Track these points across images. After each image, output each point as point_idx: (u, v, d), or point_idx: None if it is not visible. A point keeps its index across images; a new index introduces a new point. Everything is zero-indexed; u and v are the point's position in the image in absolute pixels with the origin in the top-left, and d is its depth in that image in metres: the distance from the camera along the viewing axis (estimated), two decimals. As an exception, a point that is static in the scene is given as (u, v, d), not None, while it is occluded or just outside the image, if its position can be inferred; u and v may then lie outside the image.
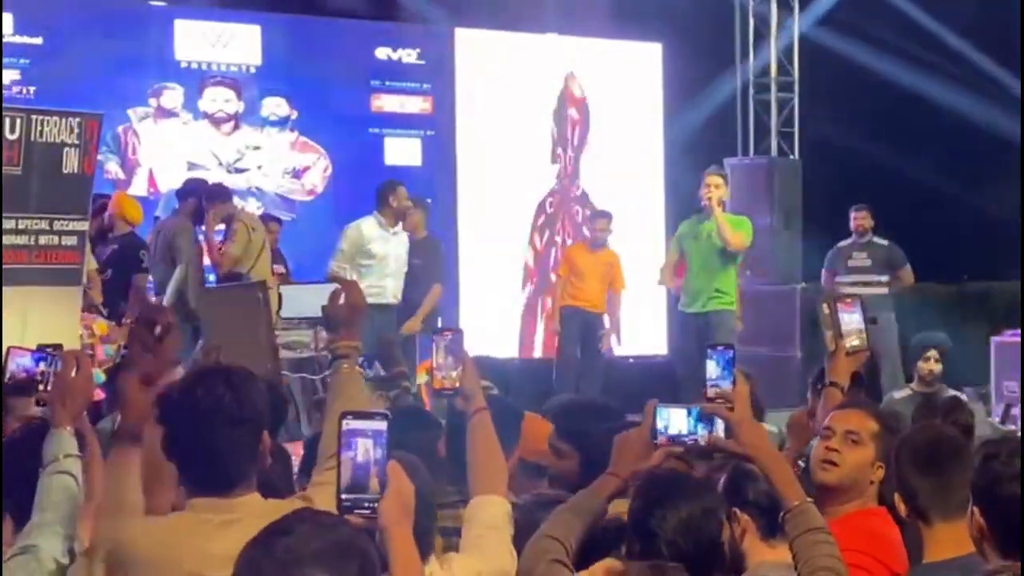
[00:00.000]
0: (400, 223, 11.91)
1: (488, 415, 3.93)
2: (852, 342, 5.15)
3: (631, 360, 15.74)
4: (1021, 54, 14.95)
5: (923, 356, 9.72)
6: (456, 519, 4.22)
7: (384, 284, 11.57)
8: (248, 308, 4.06)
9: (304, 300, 4.05)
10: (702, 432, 3.67)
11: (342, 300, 3.91)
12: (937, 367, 9.58)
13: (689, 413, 3.67)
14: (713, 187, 11.74)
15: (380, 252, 11.65)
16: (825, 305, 5.52)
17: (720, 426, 3.64)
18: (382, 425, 2.80)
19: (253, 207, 14.73)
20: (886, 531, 4.22)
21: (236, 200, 13.85)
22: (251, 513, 3.23)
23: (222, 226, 11.95)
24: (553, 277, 14.79)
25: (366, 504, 2.79)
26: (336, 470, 2.83)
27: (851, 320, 5.28)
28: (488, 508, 3.79)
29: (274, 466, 3.89)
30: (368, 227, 11.73)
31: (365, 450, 2.79)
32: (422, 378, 11.22)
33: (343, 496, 2.79)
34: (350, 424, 2.79)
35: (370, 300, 11.29)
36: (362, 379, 3.92)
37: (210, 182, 12.76)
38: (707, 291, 11.76)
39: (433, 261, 12.59)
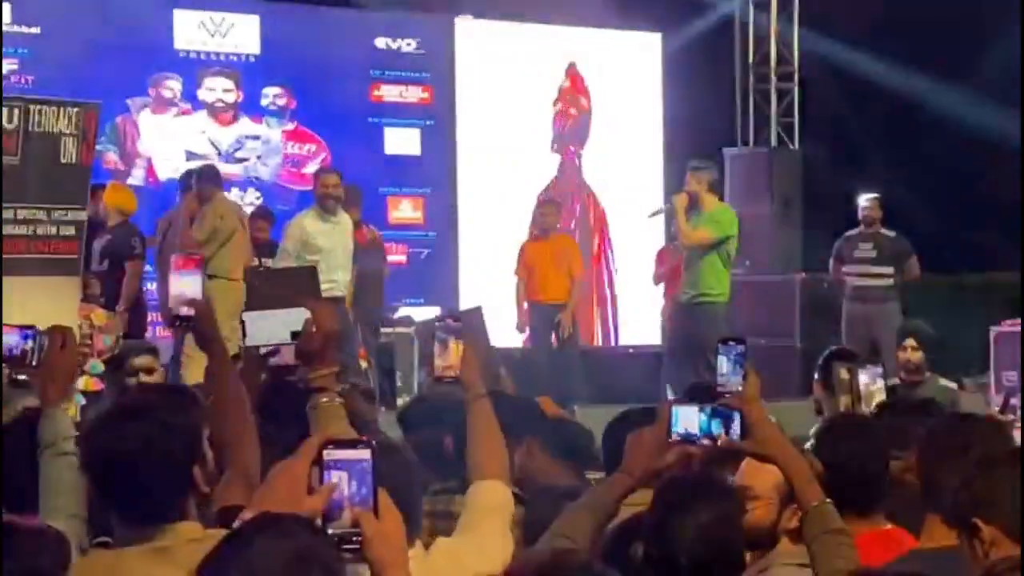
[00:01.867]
0: (337, 211, 11.59)
1: (488, 402, 3.90)
2: (874, 406, 5.05)
3: (631, 351, 15.73)
4: (1021, 46, 14.93)
5: (900, 345, 9.58)
6: (448, 503, 4.21)
7: (336, 278, 11.27)
8: (299, 293, 4.00)
9: (270, 326, 3.84)
10: (718, 431, 3.61)
11: (314, 329, 3.75)
12: (915, 356, 9.37)
13: (702, 411, 3.61)
14: (694, 182, 11.76)
15: (326, 245, 11.38)
16: (844, 370, 5.41)
17: (736, 425, 3.59)
18: (364, 454, 2.65)
19: (252, 197, 14.73)
20: None
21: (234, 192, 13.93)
22: (183, 540, 3.12)
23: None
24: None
25: (353, 539, 2.63)
26: (324, 515, 2.66)
27: (871, 382, 5.19)
28: (486, 493, 3.78)
29: None
30: (310, 221, 11.48)
31: (338, 480, 2.64)
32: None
33: (329, 531, 2.63)
34: (331, 455, 2.66)
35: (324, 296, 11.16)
36: (343, 412, 3.74)
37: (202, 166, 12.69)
38: (689, 284, 11.80)
39: (378, 249, 12.67)
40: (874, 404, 5.06)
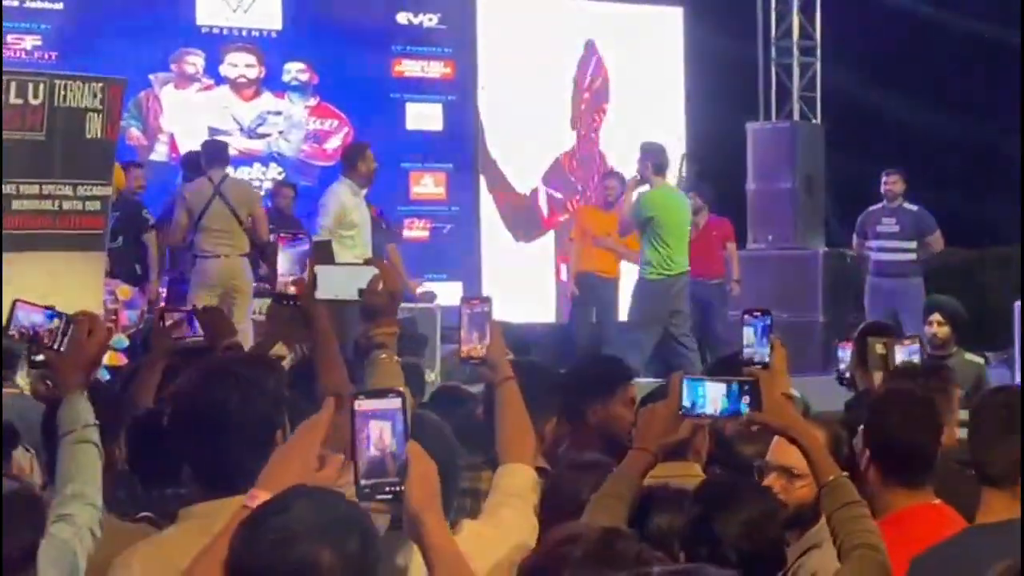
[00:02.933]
0: (367, 187, 11.64)
1: (515, 384, 3.89)
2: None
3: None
4: (1021, 45, 14.88)
5: (927, 320, 9.65)
6: (477, 480, 4.21)
7: (366, 252, 11.29)
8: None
9: (340, 281, 3.92)
10: (738, 407, 3.59)
11: (381, 287, 3.81)
12: (942, 330, 9.45)
13: (729, 388, 3.58)
14: (641, 165, 12.15)
15: (359, 220, 11.41)
16: (880, 345, 5.39)
17: (749, 399, 3.58)
18: (396, 403, 2.70)
19: (274, 173, 14.75)
20: None
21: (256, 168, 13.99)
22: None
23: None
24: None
25: (387, 488, 2.68)
26: (352, 457, 2.72)
27: (908, 358, 5.16)
28: (512, 476, 3.78)
29: None
30: (346, 196, 11.45)
31: (380, 431, 2.68)
32: None
33: (362, 483, 2.67)
34: (363, 405, 2.69)
35: None
36: (399, 369, 3.80)
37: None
38: None
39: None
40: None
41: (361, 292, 3.82)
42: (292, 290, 3.90)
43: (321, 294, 3.84)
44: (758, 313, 3.94)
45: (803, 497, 4.03)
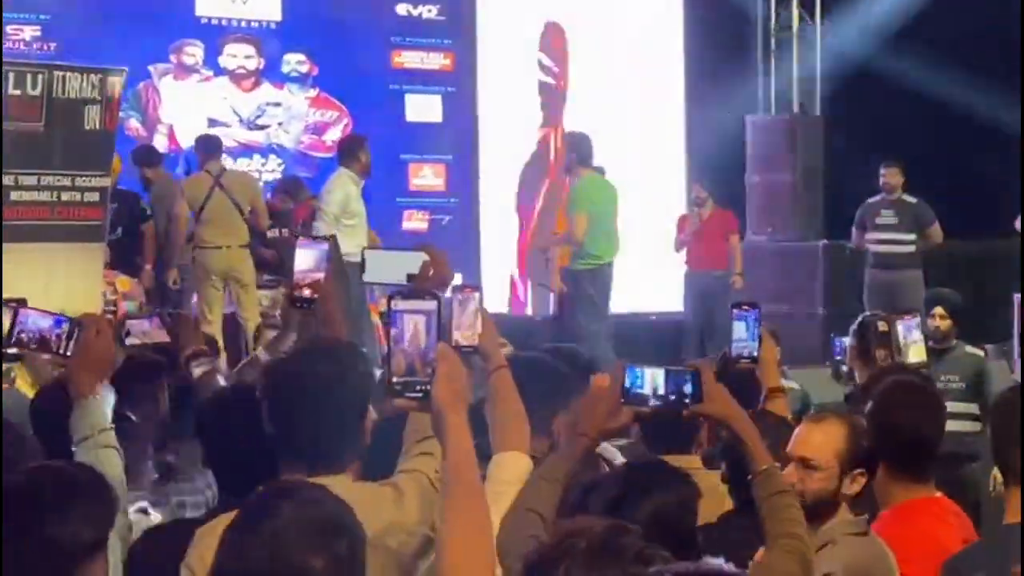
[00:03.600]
0: (365, 178, 11.71)
1: (508, 372, 3.89)
2: (913, 358, 5.00)
3: (654, 317, 15.71)
4: (1021, 42, 14.86)
5: (929, 313, 9.67)
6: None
7: (365, 241, 11.41)
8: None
9: (388, 266, 3.93)
10: (678, 392, 3.57)
11: (431, 273, 3.84)
12: (944, 323, 9.47)
13: (668, 374, 3.58)
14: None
15: (360, 209, 11.52)
16: (882, 322, 5.39)
17: (689, 388, 3.56)
18: (432, 305, 2.76)
19: (274, 164, 14.73)
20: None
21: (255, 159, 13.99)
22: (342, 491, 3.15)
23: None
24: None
25: (417, 387, 2.74)
26: (388, 365, 2.77)
27: (907, 333, 5.16)
28: (508, 465, 3.78)
29: None
30: (349, 186, 11.54)
31: (414, 331, 2.74)
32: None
33: (394, 379, 2.74)
34: (399, 304, 2.75)
35: (355, 260, 11.34)
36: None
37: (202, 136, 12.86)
38: None
39: None
40: (913, 358, 5.01)
41: (410, 277, 3.83)
42: (308, 292, 3.89)
43: (368, 277, 3.88)
44: (747, 307, 3.94)
45: (820, 489, 4.03)
